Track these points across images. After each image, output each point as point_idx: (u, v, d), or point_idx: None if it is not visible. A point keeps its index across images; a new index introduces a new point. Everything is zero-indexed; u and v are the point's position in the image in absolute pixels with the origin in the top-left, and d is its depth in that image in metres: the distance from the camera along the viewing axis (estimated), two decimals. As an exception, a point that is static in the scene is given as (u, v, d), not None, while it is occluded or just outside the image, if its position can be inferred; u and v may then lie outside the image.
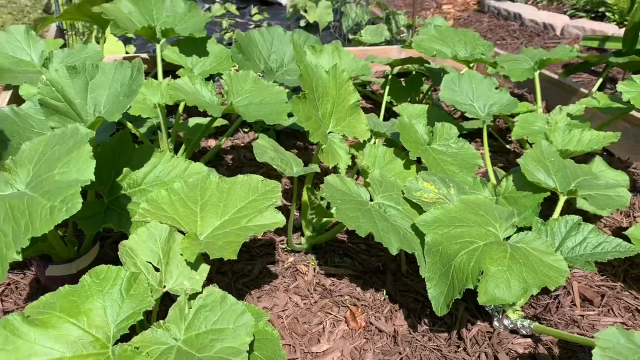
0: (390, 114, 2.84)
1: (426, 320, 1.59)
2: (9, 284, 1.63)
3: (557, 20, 4.35)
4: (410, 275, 1.76)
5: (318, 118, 1.73)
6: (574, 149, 1.96)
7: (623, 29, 2.69)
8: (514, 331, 1.54)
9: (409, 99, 2.74)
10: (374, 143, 2.10)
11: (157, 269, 1.28)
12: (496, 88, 2.26)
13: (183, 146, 2.16)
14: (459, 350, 1.48)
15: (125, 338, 1.13)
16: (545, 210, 1.98)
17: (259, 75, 2.46)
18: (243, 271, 1.75)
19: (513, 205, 1.74)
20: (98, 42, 3.20)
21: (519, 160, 1.80)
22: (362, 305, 1.65)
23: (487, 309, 1.58)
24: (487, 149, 2.10)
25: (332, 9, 4.48)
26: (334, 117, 1.84)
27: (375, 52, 3.40)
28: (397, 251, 1.42)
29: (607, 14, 4.16)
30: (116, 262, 1.34)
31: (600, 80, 2.76)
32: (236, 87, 2.01)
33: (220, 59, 2.39)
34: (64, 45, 2.87)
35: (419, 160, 1.93)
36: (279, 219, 1.39)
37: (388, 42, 3.89)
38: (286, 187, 2.25)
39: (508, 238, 1.49)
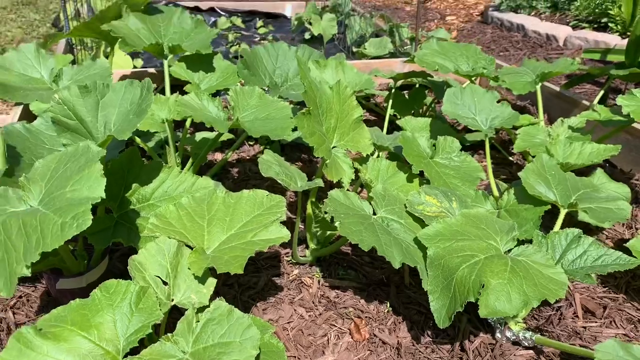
0: (393, 127, 2.87)
1: (429, 332, 1.61)
2: (20, 297, 1.67)
3: (560, 31, 4.38)
4: (414, 288, 1.78)
5: (322, 133, 1.77)
6: (575, 162, 1.98)
7: (626, 40, 2.72)
8: (516, 343, 1.56)
9: (412, 112, 2.77)
10: (378, 157, 2.13)
11: (165, 283, 1.31)
12: (498, 101, 2.29)
13: (190, 160, 2.20)
14: (462, 362, 1.51)
15: (134, 351, 1.16)
16: (548, 223, 2.00)
17: (264, 90, 2.51)
18: (249, 284, 1.78)
19: (514, 218, 1.76)
20: (107, 57, 3.25)
21: (520, 174, 1.83)
22: (366, 317, 1.67)
23: (489, 320, 1.60)
24: (489, 162, 2.13)
25: (336, 22, 4.54)
26: (338, 131, 1.88)
27: (378, 65, 3.44)
28: (399, 265, 1.45)
29: (609, 24, 4.18)
30: (125, 275, 1.38)
31: (602, 92, 2.79)
32: (242, 103, 2.06)
33: (227, 74, 2.43)
34: (73, 61, 2.93)
35: (421, 174, 1.96)
36: (284, 234, 1.43)
37: (392, 55, 3.93)
38: (291, 200, 2.28)
39: (509, 251, 1.51)
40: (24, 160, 1.63)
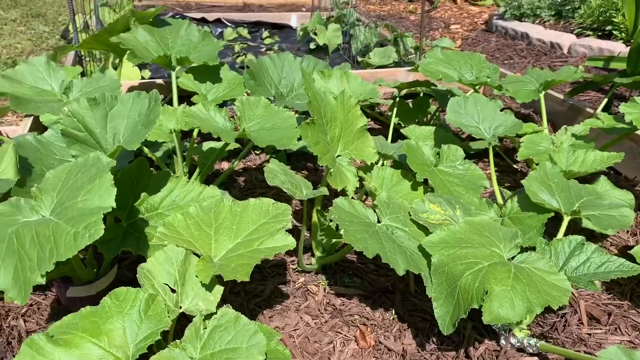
0: (398, 135, 2.90)
1: (434, 339, 1.62)
2: (31, 305, 1.70)
3: (564, 39, 4.40)
4: (419, 295, 1.80)
5: (326, 142, 1.80)
6: (578, 170, 2.00)
7: (629, 48, 2.74)
8: (521, 350, 1.57)
9: (416, 121, 2.79)
10: (382, 165, 2.16)
11: (173, 291, 1.34)
12: (501, 110, 2.31)
13: (197, 169, 2.23)
14: (466, 368, 1.52)
15: (143, 357, 1.19)
16: (552, 230, 2.02)
17: (271, 100, 2.54)
18: (255, 291, 1.80)
19: (518, 226, 1.78)
20: (115, 68, 3.30)
21: (523, 182, 1.84)
22: (371, 324, 1.69)
23: (494, 327, 1.62)
24: (493, 170, 2.15)
25: (341, 32, 4.58)
26: (342, 141, 1.91)
27: (383, 74, 3.47)
28: (403, 272, 1.47)
29: (614, 32, 4.19)
30: (133, 282, 1.40)
31: (605, 100, 2.80)
32: (248, 113, 2.09)
33: (233, 85, 2.47)
34: (82, 73, 2.97)
35: (426, 182, 1.98)
36: (289, 242, 1.45)
37: (397, 64, 3.96)
38: (297, 208, 2.31)
39: (512, 258, 1.53)
40: (35, 170, 1.66)
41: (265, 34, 5.13)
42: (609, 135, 2.35)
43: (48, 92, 2.08)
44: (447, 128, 2.63)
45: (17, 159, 1.58)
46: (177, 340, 1.20)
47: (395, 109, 2.68)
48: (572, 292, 1.83)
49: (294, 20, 5.68)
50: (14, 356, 1.49)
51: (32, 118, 2.46)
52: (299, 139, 2.02)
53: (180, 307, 1.32)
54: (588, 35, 4.38)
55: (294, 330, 1.66)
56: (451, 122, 2.19)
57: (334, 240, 1.88)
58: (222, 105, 2.39)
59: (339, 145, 1.90)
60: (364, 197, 2.31)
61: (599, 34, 4.34)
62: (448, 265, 1.47)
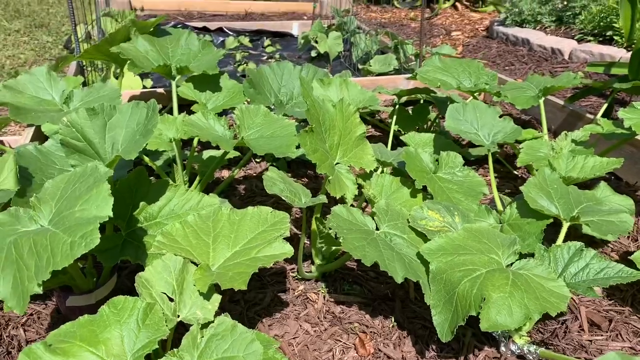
0: (398, 142, 2.90)
1: (434, 347, 1.62)
2: (31, 314, 1.70)
3: (564, 45, 4.40)
4: (418, 302, 1.80)
5: (325, 150, 1.80)
6: (578, 176, 2.00)
7: (631, 53, 2.73)
8: (521, 357, 1.56)
9: (416, 128, 2.80)
10: (381, 172, 2.16)
11: (171, 299, 1.34)
12: (501, 116, 2.32)
13: (197, 178, 2.24)
14: (466, 376, 1.52)
15: (141, 366, 1.19)
16: (552, 236, 2.01)
17: (270, 108, 2.55)
18: (255, 300, 1.80)
19: (517, 232, 1.78)
20: (117, 77, 3.32)
21: (521, 188, 1.84)
22: (371, 332, 1.69)
23: (494, 334, 1.61)
24: (493, 177, 2.15)
25: (342, 40, 4.60)
26: (341, 148, 1.91)
27: (383, 81, 3.48)
28: (402, 279, 1.47)
29: (614, 37, 4.19)
30: (132, 292, 1.41)
31: (606, 105, 2.80)
32: (247, 121, 2.10)
33: (233, 93, 2.48)
34: (84, 82, 3.00)
35: (425, 189, 1.98)
36: (287, 250, 1.45)
37: (397, 71, 3.97)
38: (297, 215, 2.31)
39: (511, 265, 1.52)
40: (36, 180, 1.68)
41: (267, 42, 5.15)
42: (609, 141, 2.35)
43: (49, 102, 2.09)
44: (446, 135, 2.64)
45: (17, 169, 1.59)
46: (175, 349, 1.20)
47: (395, 116, 2.69)
48: (573, 298, 1.83)
49: (295, 28, 5.70)
50: (13, 366, 1.50)
51: (33, 128, 2.47)
52: (298, 146, 2.03)
53: (178, 316, 1.32)
54: (589, 41, 4.38)
55: (294, 338, 1.66)
56: (450, 129, 2.20)
57: (333, 247, 1.88)
58: (222, 113, 2.40)
59: (338, 153, 1.91)
60: (364, 204, 2.31)
61: (600, 39, 4.35)
62: (446, 272, 1.47)
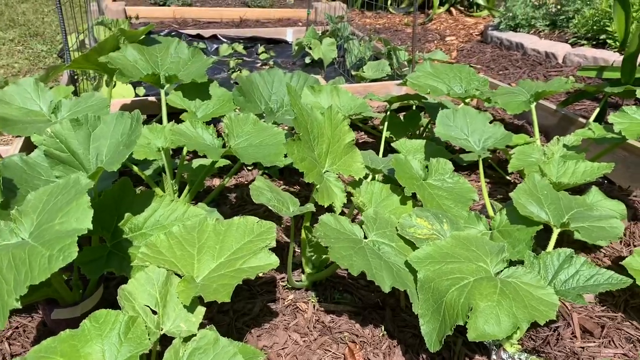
0: (390, 149, 2.89)
1: (424, 356, 1.60)
2: (17, 327, 1.68)
3: (558, 49, 4.40)
4: (409, 311, 1.78)
5: (313, 158, 1.79)
6: (569, 181, 1.98)
7: (622, 57, 2.73)
8: (512, 365, 1.55)
9: (408, 134, 2.79)
10: (373, 180, 2.15)
11: (154, 312, 1.33)
12: (491, 122, 2.31)
13: (187, 187, 2.23)
14: (455, 386, 1.50)
15: (122, 381, 1.17)
16: (545, 242, 2.00)
17: (261, 116, 2.54)
18: (244, 310, 1.79)
19: (507, 239, 1.76)
20: (108, 86, 3.31)
21: (511, 194, 1.83)
22: (360, 341, 1.67)
23: (485, 342, 1.59)
24: (483, 183, 2.14)
25: (335, 46, 4.60)
26: (330, 156, 1.90)
27: (375, 88, 3.48)
28: (389, 289, 1.45)
29: (608, 41, 4.19)
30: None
31: (598, 110, 2.79)
32: (237, 130, 2.09)
33: (223, 101, 2.47)
34: (75, 92, 2.99)
35: (414, 196, 1.97)
36: (273, 260, 1.44)
37: (390, 77, 3.96)
38: (288, 224, 2.29)
39: (499, 273, 1.51)
40: (21, 192, 1.66)
41: (261, 49, 5.14)
42: (601, 145, 2.34)
43: (36, 113, 2.08)
44: (438, 141, 2.62)
45: (1, 180, 1.58)
46: (157, 363, 1.19)
47: (386, 123, 2.68)
48: (565, 305, 1.81)
49: (289, 35, 5.70)
50: (-4, 380, 1.48)
51: (23, 138, 2.46)
52: (287, 155, 2.01)
53: (162, 329, 1.30)
54: (583, 45, 4.38)
55: (282, 349, 1.64)
56: (440, 135, 2.19)
57: (323, 256, 1.87)
58: (211, 122, 2.39)
59: (327, 161, 1.90)
60: (355, 212, 2.30)
61: (594, 43, 4.34)
62: (434, 281, 1.46)
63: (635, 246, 2.09)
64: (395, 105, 3.19)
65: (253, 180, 2.66)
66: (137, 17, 6.28)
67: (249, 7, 7.14)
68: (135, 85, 3.73)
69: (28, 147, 2.45)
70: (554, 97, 3.55)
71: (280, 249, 2.10)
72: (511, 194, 1.83)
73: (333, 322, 1.75)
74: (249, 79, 2.58)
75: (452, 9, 6.81)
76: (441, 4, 6.88)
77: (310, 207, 1.70)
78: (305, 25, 5.74)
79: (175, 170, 2.30)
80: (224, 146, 2.07)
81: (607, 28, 4.19)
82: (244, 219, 1.56)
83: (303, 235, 1.87)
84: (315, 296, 1.86)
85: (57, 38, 5.96)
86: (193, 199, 2.25)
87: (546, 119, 3.03)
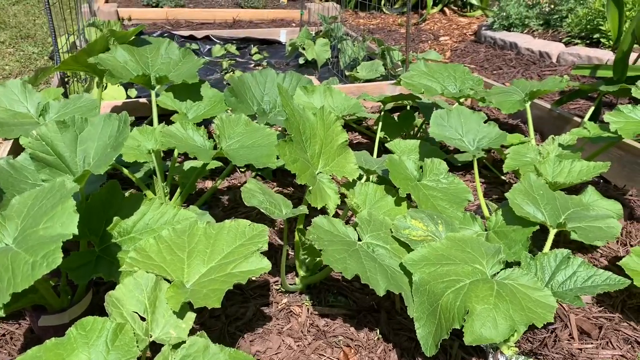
0: (385, 150, 2.86)
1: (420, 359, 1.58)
2: (3, 335, 1.65)
3: (552, 48, 4.39)
4: (404, 313, 1.75)
5: (306, 160, 1.76)
6: (564, 181, 1.96)
7: (615, 56, 2.72)
8: (509, 368, 1.52)
9: (403, 134, 2.76)
10: (367, 181, 2.12)
11: (143, 319, 1.29)
12: (486, 121, 2.28)
13: (178, 190, 2.19)
14: (452, 390, 1.47)
15: (109, 390, 1.14)
16: (542, 243, 1.97)
17: (254, 117, 2.51)
18: (236, 314, 1.76)
19: (503, 240, 1.74)
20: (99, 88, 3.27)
21: (507, 194, 1.81)
22: (355, 345, 1.64)
23: (482, 345, 1.57)
24: (478, 183, 2.11)
25: (329, 46, 4.57)
26: (323, 157, 1.87)
27: (369, 88, 3.45)
28: (384, 292, 1.42)
29: (601, 40, 4.19)
30: (105, 311, 1.35)
31: (592, 108, 2.77)
32: (228, 131, 2.05)
33: (214, 102, 2.44)
34: (65, 94, 2.95)
35: (409, 197, 1.94)
36: (265, 264, 1.41)
37: (384, 78, 3.94)
38: (281, 226, 2.26)
39: (495, 275, 1.48)
40: (7, 196, 1.62)
41: (254, 49, 5.11)
42: (596, 144, 2.32)
43: (23, 115, 2.04)
44: (432, 141, 2.60)
45: (-14, 184, 1.54)
46: (145, 371, 1.16)
47: (380, 123, 2.65)
48: (562, 306, 1.79)
49: (283, 35, 5.67)
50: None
51: (11, 141, 2.42)
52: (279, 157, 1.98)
53: (151, 336, 1.27)
54: (576, 44, 4.37)
55: (276, 354, 1.61)
56: (435, 135, 2.16)
57: (317, 259, 1.84)
58: (202, 123, 2.35)
59: (320, 162, 1.87)
60: (350, 213, 2.27)
61: (587, 42, 4.34)
62: (429, 283, 1.43)
63: (631, 246, 2.08)
64: (390, 106, 3.17)
65: (245, 182, 2.63)
66: (129, 19, 6.24)
67: (242, 8, 7.11)
68: (127, 87, 3.69)
69: (16, 150, 2.41)
70: (548, 96, 3.53)
71: (273, 252, 2.07)
72: (507, 194, 1.81)
73: (327, 325, 1.72)
74: (241, 80, 2.55)
75: (445, 9, 6.80)
76: (435, 4, 6.87)
77: (303, 209, 1.67)
78: (299, 26, 5.71)
79: (167, 173, 2.27)
80: (215, 148, 2.04)
81: (601, 27, 4.19)
82: (236, 222, 1.52)
83: (296, 237, 1.84)
84: (309, 299, 1.83)
85: (49, 40, 5.90)
86: (185, 201, 2.22)
87: (541, 119, 3.02)
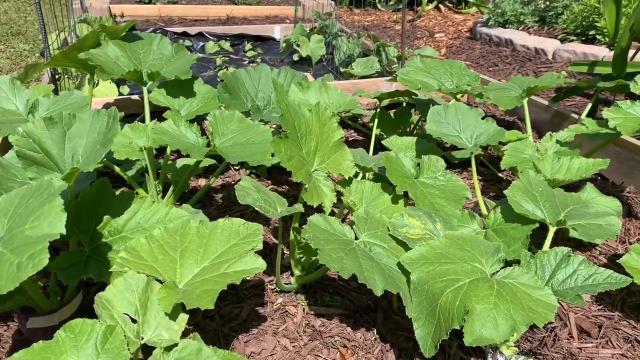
0: (381, 147, 2.83)
1: (417, 360, 1.55)
2: (-9, 337, 1.61)
3: (548, 45, 4.37)
4: (402, 313, 1.72)
5: (301, 157, 1.73)
6: (563, 178, 1.93)
7: (613, 52, 2.70)
8: (508, 369, 1.49)
9: (399, 131, 2.73)
10: (363, 178, 2.09)
11: (134, 320, 1.26)
12: (483, 118, 2.26)
13: (171, 188, 2.15)
14: (451, 391, 1.44)
15: (99, 395, 1.10)
16: (541, 240, 1.95)
17: (248, 113, 2.47)
18: (231, 315, 1.72)
19: (502, 238, 1.71)
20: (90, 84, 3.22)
21: (505, 192, 1.78)
22: (352, 346, 1.61)
23: (481, 345, 1.54)
24: (476, 180, 2.08)
25: (324, 43, 4.53)
26: (319, 154, 1.84)
27: (365, 84, 3.42)
28: (381, 292, 1.39)
29: (597, 36, 4.17)
30: (95, 313, 1.31)
31: (590, 105, 2.75)
32: (221, 128, 2.01)
33: (207, 99, 2.40)
34: (55, 91, 2.89)
35: (406, 195, 1.91)
36: (259, 264, 1.37)
37: (380, 74, 3.91)
38: (276, 225, 2.23)
39: (495, 273, 1.45)
40: (-6, 195, 1.58)
41: (248, 46, 5.07)
42: (594, 141, 2.29)
43: (12, 112, 1.99)
44: (429, 138, 2.57)
45: (-28, 183, 1.50)
46: (136, 375, 1.12)
47: (376, 120, 2.62)
48: (561, 304, 1.77)
49: (277, 32, 5.63)
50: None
51: (1, 139, 2.37)
52: (274, 154, 1.95)
53: (142, 338, 1.23)
54: (572, 41, 4.36)
55: (271, 355, 1.58)
56: (432, 132, 2.13)
57: (313, 258, 1.81)
58: (195, 120, 2.31)
59: (315, 160, 1.83)
60: (346, 211, 2.24)
61: (583, 38, 4.32)
62: (428, 282, 1.40)
63: (630, 243, 2.06)
64: (385, 102, 3.14)
65: (240, 180, 2.59)
66: (122, 15, 6.18)
67: (235, 4, 7.06)
68: (119, 84, 3.64)
69: (5, 148, 2.36)
70: (544, 93, 3.51)
71: (268, 251, 2.04)
72: (506, 192, 1.78)
73: (323, 326, 1.69)
74: (235, 76, 2.51)
75: (440, 5, 6.77)
76: (429, 1, 6.84)
77: (298, 207, 1.64)
78: (293, 23, 5.67)
79: (159, 171, 2.23)
80: (208, 145, 2.00)
81: (597, 24, 4.17)
82: (230, 220, 1.49)
83: (292, 236, 1.80)
84: (305, 299, 1.80)
85: (40, 37, 5.84)
86: (178, 200, 2.18)
87: (538, 115, 2.99)
